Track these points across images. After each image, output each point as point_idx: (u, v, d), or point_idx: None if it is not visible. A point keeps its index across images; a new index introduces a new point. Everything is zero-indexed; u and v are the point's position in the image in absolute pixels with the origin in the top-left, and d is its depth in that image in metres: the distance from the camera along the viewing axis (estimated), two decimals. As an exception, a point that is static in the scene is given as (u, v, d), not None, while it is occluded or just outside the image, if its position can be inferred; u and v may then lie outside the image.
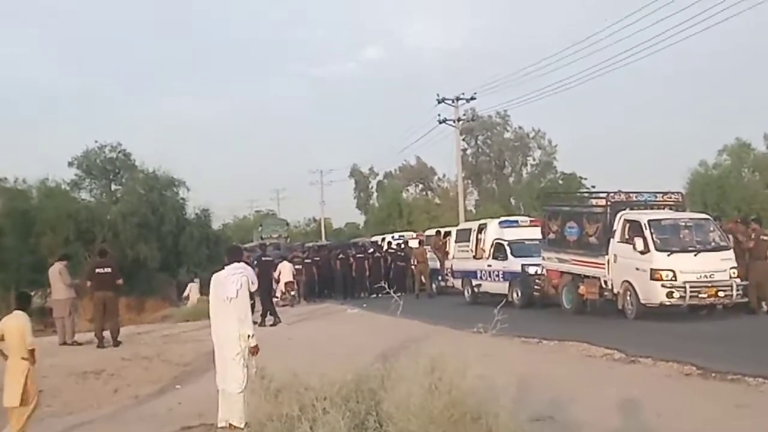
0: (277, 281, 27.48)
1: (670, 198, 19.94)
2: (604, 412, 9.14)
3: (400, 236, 37.18)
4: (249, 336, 8.86)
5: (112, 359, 15.80)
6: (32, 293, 13.28)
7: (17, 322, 9.94)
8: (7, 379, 9.79)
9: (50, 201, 29.78)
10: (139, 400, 12.62)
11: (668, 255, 17.46)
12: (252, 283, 9.34)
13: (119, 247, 27.75)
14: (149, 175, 33.24)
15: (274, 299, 23.61)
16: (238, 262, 9.60)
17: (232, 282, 9.14)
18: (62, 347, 17.00)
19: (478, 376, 5.00)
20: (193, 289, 29.68)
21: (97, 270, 18.26)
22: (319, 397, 5.03)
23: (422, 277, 29.47)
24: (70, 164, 33.85)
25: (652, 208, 19.20)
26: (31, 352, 9.83)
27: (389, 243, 35.10)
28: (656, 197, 19.76)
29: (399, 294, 6.07)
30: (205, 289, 35.16)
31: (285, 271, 28.39)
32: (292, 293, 28.71)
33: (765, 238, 19.28)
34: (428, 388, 4.66)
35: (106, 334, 17.97)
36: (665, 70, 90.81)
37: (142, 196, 31.92)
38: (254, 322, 17.37)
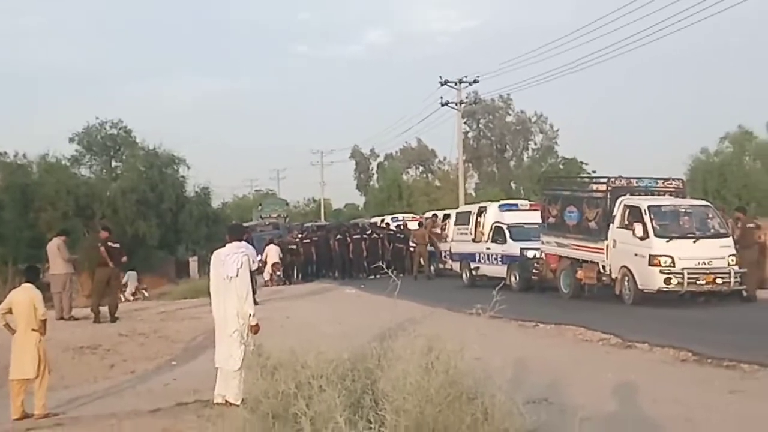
0: (265, 263, 27.72)
1: (671, 184, 19.91)
2: (599, 396, 9.15)
3: (393, 218, 37.24)
4: (250, 315, 8.89)
5: (109, 335, 15.84)
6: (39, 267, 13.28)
7: (27, 294, 10.01)
8: (17, 353, 9.83)
9: (50, 176, 29.76)
10: (136, 376, 12.68)
11: (667, 241, 17.45)
12: (253, 261, 9.36)
13: (118, 223, 27.75)
14: (149, 153, 33.22)
15: (264, 281, 23.69)
16: (239, 240, 9.60)
17: (233, 261, 9.15)
18: (59, 322, 16.99)
19: (474, 357, 4.99)
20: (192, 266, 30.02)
21: (109, 243, 18.34)
22: (315, 375, 5.02)
23: (421, 259, 29.47)
24: (71, 140, 33.86)
25: (652, 194, 19.17)
26: (43, 322, 9.92)
27: (387, 224, 35.12)
28: (657, 183, 19.72)
29: (398, 275, 6.05)
30: (203, 267, 35.46)
31: (271, 254, 28.71)
32: (278, 274, 28.91)
33: (751, 226, 19.29)
34: (425, 368, 4.65)
35: (103, 309, 17.99)
36: (670, 56, 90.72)
37: (142, 173, 31.91)
38: (256, 302, 17.53)
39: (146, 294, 25.50)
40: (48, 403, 9.88)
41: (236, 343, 8.82)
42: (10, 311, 10.06)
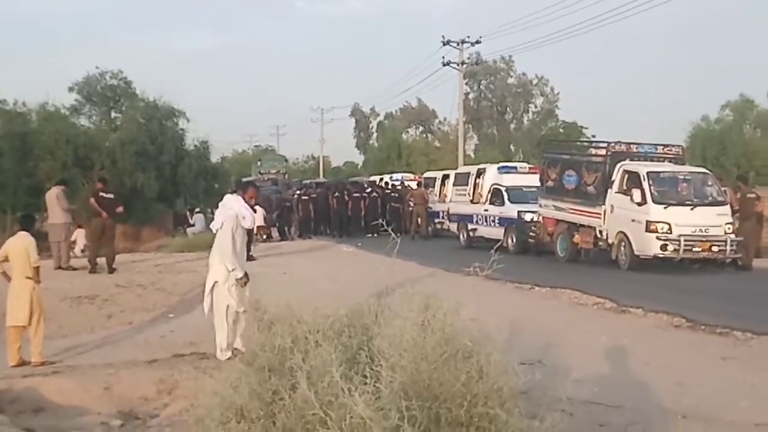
0: None
1: (670, 151, 19.88)
2: (592, 358, 9.26)
3: (392, 177, 37.20)
4: (230, 270, 9.00)
5: (107, 285, 15.89)
6: (36, 216, 13.30)
7: (22, 242, 10.08)
8: (12, 300, 9.91)
9: (49, 125, 29.51)
10: (133, 327, 12.75)
11: (665, 208, 17.47)
12: (243, 218, 9.36)
13: (117, 174, 27.64)
14: (149, 104, 32.96)
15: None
16: (240, 195, 9.66)
17: (219, 214, 9.36)
18: (57, 271, 17.06)
19: (470, 318, 5.03)
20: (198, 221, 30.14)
21: (101, 194, 18.32)
22: (312, 330, 5.05)
23: (418, 219, 29.52)
24: (71, 89, 33.51)
25: (651, 160, 19.16)
26: (36, 269, 9.98)
27: (386, 183, 35.14)
28: (656, 149, 19.69)
29: (397, 234, 6.08)
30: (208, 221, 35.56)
31: (257, 217, 28.57)
32: (264, 237, 28.89)
33: (751, 196, 19.32)
34: (421, 326, 4.68)
35: (101, 260, 18.04)
36: (674, 22, 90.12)
37: (141, 125, 31.67)
38: (252, 257, 17.63)
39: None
40: (45, 351, 9.96)
41: (209, 293, 9.19)
42: (6, 259, 10.13)
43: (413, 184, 32.91)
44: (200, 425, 4.82)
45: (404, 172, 43.48)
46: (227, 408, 4.74)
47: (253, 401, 4.69)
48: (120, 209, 18.66)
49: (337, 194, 32.20)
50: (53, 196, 18.51)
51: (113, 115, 34.35)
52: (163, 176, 31.33)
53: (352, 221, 31.62)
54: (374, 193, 32.43)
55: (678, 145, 21.01)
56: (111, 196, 18.51)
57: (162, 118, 32.51)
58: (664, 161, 19.32)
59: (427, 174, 35.22)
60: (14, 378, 8.56)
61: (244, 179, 16.22)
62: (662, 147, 19.89)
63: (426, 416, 4.23)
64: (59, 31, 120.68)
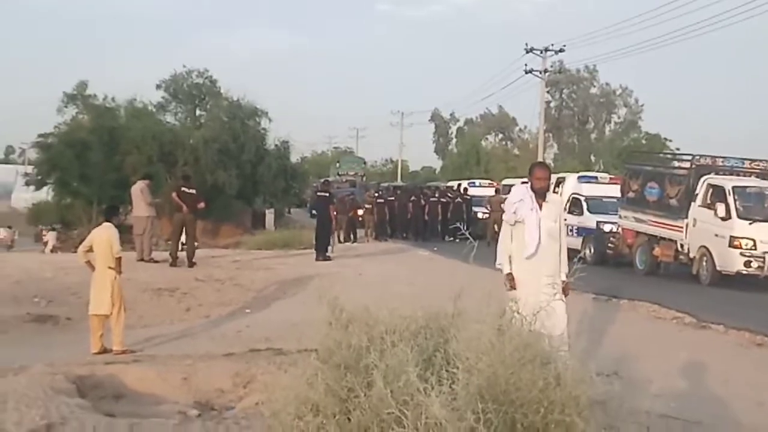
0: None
1: (758, 166, 19.46)
2: (670, 373, 9.08)
3: (470, 182, 37.05)
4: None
5: (186, 279, 16.17)
6: (120, 208, 13.65)
7: (106, 232, 10.35)
8: (94, 289, 10.19)
9: (137, 121, 30.26)
10: (210, 320, 12.96)
11: (750, 223, 17.10)
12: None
13: (199, 171, 28.16)
14: (233, 103, 33.51)
15: None
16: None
17: None
18: (139, 263, 17.43)
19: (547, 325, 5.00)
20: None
21: (183, 188, 18.72)
22: (388, 330, 5.06)
23: (495, 226, 29.29)
24: (158, 87, 34.31)
25: (737, 175, 18.77)
26: (118, 260, 10.23)
27: (464, 189, 35.01)
28: (743, 164, 19.30)
29: (475, 241, 6.07)
30: (278, 219, 35.84)
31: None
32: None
33: None
34: (498, 330, 4.67)
35: (181, 254, 18.38)
36: (763, 35, 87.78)
37: (224, 124, 32.21)
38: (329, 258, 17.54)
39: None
40: (126, 340, 10.21)
41: None
42: (91, 249, 10.41)
43: (491, 191, 32.70)
44: (276, 418, 4.84)
45: (482, 178, 43.26)
46: (302, 403, 4.77)
47: (328, 398, 4.71)
48: (201, 205, 18.97)
49: (413, 198, 32.21)
50: (138, 190, 18.92)
51: (198, 113, 35.02)
52: (244, 174, 31.77)
53: (428, 226, 31.57)
54: (442, 199, 32.23)
55: (765, 160, 20.51)
56: (193, 191, 18.88)
57: (245, 117, 33.01)
58: (750, 176, 18.90)
59: (506, 181, 34.98)
60: (97, 365, 8.74)
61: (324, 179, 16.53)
62: (749, 161, 19.47)
63: (501, 420, 4.21)
64: (150, 30, 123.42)
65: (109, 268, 10.18)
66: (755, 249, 16.81)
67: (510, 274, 7.74)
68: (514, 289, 7.56)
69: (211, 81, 34.76)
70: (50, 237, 24.60)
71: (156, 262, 18.25)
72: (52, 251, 22.86)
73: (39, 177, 30.63)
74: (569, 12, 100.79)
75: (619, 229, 21.18)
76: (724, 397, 8.12)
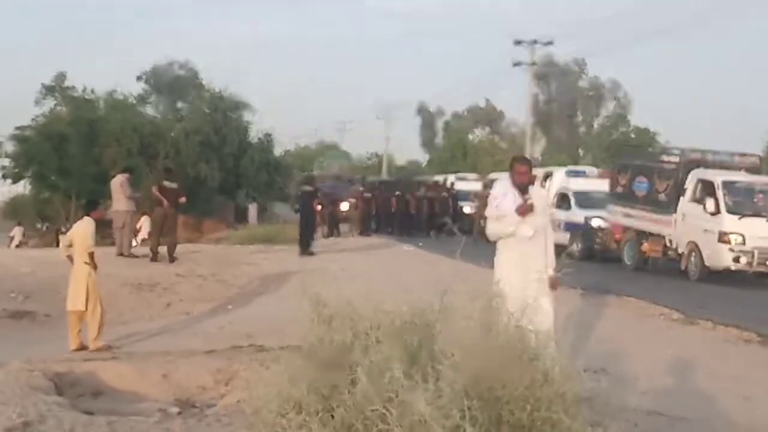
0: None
1: (747, 160, 19.42)
2: (657, 369, 9.03)
3: (458, 176, 36.98)
4: None
5: (167, 274, 15.97)
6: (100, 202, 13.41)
7: (83, 226, 10.16)
8: (71, 285, 10.02)
9: (116, 113, 30.03)
10: (191, 316, 12.80)
11: (739, 218, 17.03)
12: None
13: (180, 164, 27.91)
14: (215, 95, 33.31)
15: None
16: None
17: None
18: (119, 258, 17.21)
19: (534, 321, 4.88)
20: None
21: (165, 182, 18.45)
22: (372, 326, 4.93)
23: (481, 221, 29.18)
24: (138, 78, 34.06)
25: (727, 169, 18.68)
26: (90, 255, 10.03)
27: (452, 184, 34.94)
28: (732, 158, 19.26)
29: (462, 236, 5.94)
30: (261, 214, 35.56)
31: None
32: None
33: None
34: (485, 326, 4.54)
35: (162, 249, 18.15)
36: (751, 29, 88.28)
37: (206, 116, 32.01)
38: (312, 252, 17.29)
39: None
40: (105, 336, 10.03)
41: None
42: (71, 244, 10.24)
43: (478, 186, 32.59)
44: (257, 416, 4.72)
45: (469, 173, 43.16)
46: (285, 400, 4.66)
47: (311, 395, 4.61)
48: (182, 199, 18.72)
49: (398, 193, 32.06)
50: (117, 183, 18.67)
51: (179, 104, 34.74)
52: (226, 168, 31.58)
53: (413, 220, 31.42)
54: (429, 193, 32.11)
55: (755, 154, 20.47)
56: (174, 185, 18.59)
57: (227, 109, 32.82)
58: (740, 170, 18.84)
59: (492, 175, 34.86)
60: (75, 362, 8.61)
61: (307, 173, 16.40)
62: (738, 155, 19.44)
63: (487, 417, 4.12)
64: (129, 19, 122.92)
65: (85, 263, 9.98)
66: (744, 244, 16.74)
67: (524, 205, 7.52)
68: (532, 211, 7.47)
69: (192, 73, 34.51)
70: (16, 232, 24.35)
71: (136, 256, 18.03)
72: (17, 247, 22.53)
73: (16, 170, 30.38)
74: (558, 4, 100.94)
75: (608, 224, 21.06)
76: (711, 393, 8.10)
